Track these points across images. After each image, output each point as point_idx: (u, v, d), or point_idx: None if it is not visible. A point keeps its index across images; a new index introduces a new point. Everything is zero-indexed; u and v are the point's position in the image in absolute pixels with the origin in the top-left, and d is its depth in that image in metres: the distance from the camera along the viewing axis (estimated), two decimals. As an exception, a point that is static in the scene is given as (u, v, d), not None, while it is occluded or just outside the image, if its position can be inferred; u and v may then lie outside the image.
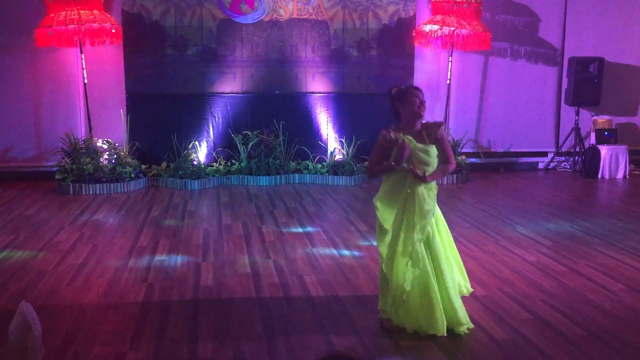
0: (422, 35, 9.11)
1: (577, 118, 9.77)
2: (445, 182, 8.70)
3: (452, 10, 8.96)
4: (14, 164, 8.85)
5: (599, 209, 7.67)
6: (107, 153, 8.47)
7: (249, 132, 8.96)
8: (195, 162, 8.74)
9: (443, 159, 3.97)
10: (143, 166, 8.68)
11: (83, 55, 8.49)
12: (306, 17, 9.17)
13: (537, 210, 7.37)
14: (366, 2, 9.28)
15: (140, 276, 5.00)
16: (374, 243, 5.83)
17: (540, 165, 10.23)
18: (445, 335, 3.82)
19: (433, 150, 3.91)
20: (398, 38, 9.43)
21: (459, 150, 9.24)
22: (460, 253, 4.36)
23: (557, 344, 3.83)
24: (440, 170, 3.97)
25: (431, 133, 3.93)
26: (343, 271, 5.12)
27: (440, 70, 9.62)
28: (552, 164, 10.19)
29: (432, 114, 9.35)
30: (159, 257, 5.47)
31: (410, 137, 3.85)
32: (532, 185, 9.02)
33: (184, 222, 6.70)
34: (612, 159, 9.42)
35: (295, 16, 9.15)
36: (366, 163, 8.91)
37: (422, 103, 3.91)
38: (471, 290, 4.31)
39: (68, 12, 8.12)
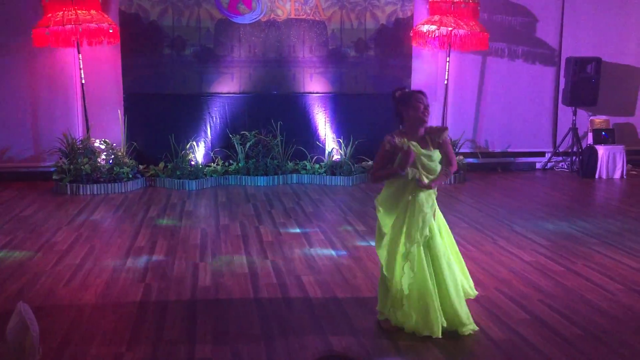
0: (419, 35, 9.12)
1: (574, 118, 9.78)
2: (443, 182, 8.69)
3: (449, 10, 8.97)
4: (11, 164, 8.84)
5: (597, 209, 7.68)
6: (105, 153, 8.47)
7: (246, 133, 8.96)
8: (192, 163, 8.73)
9: (445, 161, 3.98)
10: (141, 166, 8.67)
11: (80, 56, 8.48)
12: (304, 17, 9.17)
13: (535, 210, 7.37)
14: (364, 2, 9.28)
15: (137, 276, 4.99)
16: (372, 243, 5.83)
17: (538, 166, 10.24)
18: (440, 337, 3.82)
19: (436, 155, 3.91)
20: (396, 38, 9.43)
21: (457, 150, 9.25)
22: (458, 253, 4.36)
23: (554, 343, 3.83)
24: (443, 173, 3.98)
25: (435, 138, 3.94)
26: (341, 271, 5.12)
27: (437, 71, 9.63)
28: (549, 164, 10.21)
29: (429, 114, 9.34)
30: (157, 258, 5.46)
31: (415, 143, 3.85)
32: (530, 185, 9.03)
33: (182, 223, 6.70)
34: (609, 159, 9.43)
35: (292, 16, 9.15)
36: (364, 163, 9.05)
37: (426, 108, 3.89)
38: (476, 292, 4.30)
39: (65, 12, 8.12)
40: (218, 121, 9.13)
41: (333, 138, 9.34)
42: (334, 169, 8.90)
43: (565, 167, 10.11)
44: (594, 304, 4.46)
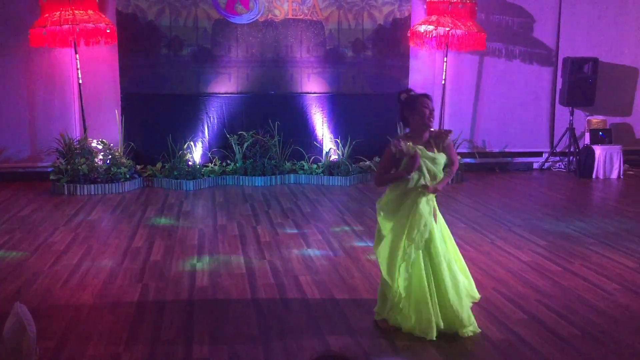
0: (417, 35, 9.13)
1: (571, 118, 9.80)
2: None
3: (447, 10, 8.97)
4: (8, 164, 8.82)
5: (594, 209, 7.69)
6: (102, 153, 8.46)
7: (244, 133, 8.96)
8: (190, 163, 8.73)
9: (448, 162, 4.01)
10: (138, 167, 8.67)
11: (78, 56, 8.47)
12: (301, 17, 9.17)
13: (532, 210, 7.38)
14: (361, 3, 9.29)
15: (135, 277, 4.98)
16: (370, 244, 5.84)
17: (535, 166, 10.26)
18: (434, 339, 3.82)
19: (441, 159, 3.93)
20: (393, 38, 9.44)
21: (455, 150, 9.25)
22: (455, 253, 4.36)
23: (552, 343, 3.83)
24: (447, 174, 4.01)
25: (439, 142, 3.95)
26: (338, 271, 5.12)
27: (435, 71, 9.64)
28: (546, 164, 10.22)
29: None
30: (154, 258, 5.45)
31: (421, 147, 3.85)
32: (527, 185, 9.04)
33: (179, 223, 6.69)
34: (606, 159, 9.45)
35: (290, 16, 9.15)
36: (361, 163, 9.05)
37: (432, 113, 3.90)
38: (478, 297, 4.30)
39: (62, 12, 8.10)
40: (215, 121, 9.12)
41: (330, 138, 9.34)
42: (332, 169, 8.90)
43: (563, 167, 10.12)
44: (591, 303, 4.46)
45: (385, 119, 9.45)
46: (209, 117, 9.11)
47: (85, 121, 8.62)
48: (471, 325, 3.89)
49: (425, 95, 3.95)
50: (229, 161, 8.99)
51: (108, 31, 8.30)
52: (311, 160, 9.21)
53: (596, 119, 9.88)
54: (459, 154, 9.38)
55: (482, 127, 9.98)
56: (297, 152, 9.17)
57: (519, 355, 3.70)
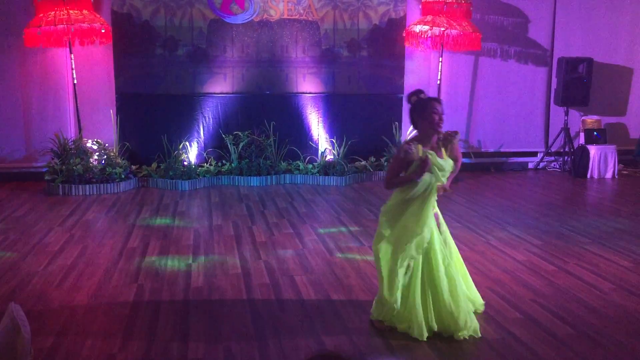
0: (412, 35, 9.14)
1: (566, 118, 9.82)
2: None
3: (442, 10, 8.98)
4: (2, 164, 8.79)
5: (589, 209, 7.72)
6: (97, 154, 8.43)
7: (239, 133, 8.95)
8: (185, 163, 8.72)
9: (453, 159, 4.05)
10: (133, 167, 8.65)
11: (72, 56, 8.45)
12: (297, 17, 9.17)
13: (527, 210, 7.40)
14: (357, 3, 9.29)
15: (130, 277, 4.98)
16: (365, 244, 5.85)
17: (530, 165, 10.28)
18: (425, 340, 3.83)
19: (449, 166, 3.96)
20: (388, 38, 9.44)
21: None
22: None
23: (547, 343, 3.85)
24: (453, 172, 4.06)
25: (447, 144, 3.99)
26: (334, 271, 5.12)
27: (430, 71, 9.65)
28: (541, 164, 10.24)
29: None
30: (150, 258, 5.45)
31: (432, 153, 3.87)
32: (522, 185, 9.06)
33: (175, 223, 6.69)
34: (601, 159, 9.47)
35: (285, 16, 9.14)
36: (357, 163, 9.05)
37: (441, 118, 3.91)
38: (480, 304, 4.28)
39: (57, 12, 8.08)
40: (211, 121, 9.11)
41: (326, 138, 9.34)
42: (327, 169, 8.90)
43: (558, 167, 10.15)
44: (586, 303, 4.48)
45: (381, 119, 9.47)
46: (205, 117, 9.10)
47: (80, 121, 8.59)
48: (467, 330, 3.88)
49: (436, 100, 3.96)
50: (224, 161, 8.98)
51: (103, 31, 8.28)
52: (307, 160, 9.20)
53: (591, 119, 9.91)
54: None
55: (477, 127, 9.99)
56: (293, 152, 9.17)
57: (514, 354, 3.71)
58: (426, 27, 8.98)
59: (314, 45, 9.26)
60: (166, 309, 4.35)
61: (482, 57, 9.85)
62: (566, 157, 9.92)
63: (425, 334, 3.84)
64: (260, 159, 8.82)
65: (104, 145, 8.56)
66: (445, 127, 3.98)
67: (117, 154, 8.59)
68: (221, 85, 9.12)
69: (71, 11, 8.12)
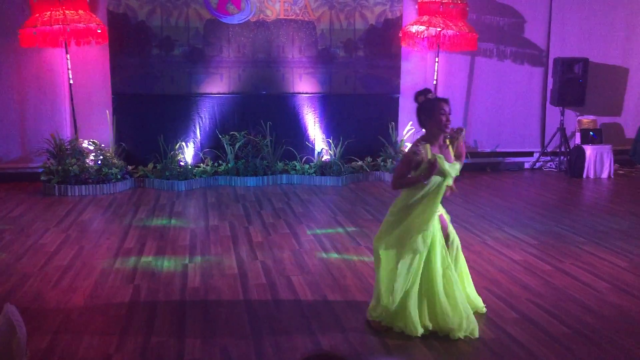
0: (408, 35, 9.15)
1: (562, 118, 9.85)
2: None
3: (438, 11, 8.99)
4: (-2, 165, 8.78)
5: (584, 209, 7.73)
6: (93, 154, 8.42)
7: (236, 133, 8.94)
8: (182, 163, 8.71)
9: (457, 155, 4.06)
10: (129, 167, 8.63)
11: (68, 56, 8.44)
12: (293, 17, 9.16)
13: (523, 209, 7.41)
14: (353, 3, 9.29)
15: (126, 278, 4.97)
16: (362, 244, 5.85)
17: (526, 165, 10.30)
18: (418, 335, 3.85)
19: (456, 169, 3.97)
20: (385, 38, 9.45)
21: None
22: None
23: (543, 342, 3.85)
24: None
25: (453, 141, 4.01)
26: (330, 272, 5.12)
27: (426, 71, 9.66)
28: (537, 164, 10.26)
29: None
30: (146, 258, 5.44)
31: (441, 156, 3.87)
32: (518, 185, 9.07)
33: (171, 223, 6.68)
34: (597, 159, 9.50)
35: (282, 17, 9.14)
36: (353, 163, 9.05)
37: (449, 118, 3.92)
38: (481, 307, 4.28)
39: (53, 12, 8.06)
40: (207, 122, 9.11)
41: (322, 138, 9.34)
42: (324, 169, 8.90)
43: (554, 167, 10.17)
44: (582, 302, 4.49)
45: (377, 119, 9.47)
46: (201, 118, 9.09)
47: (76, 122, 8.58)
48: (462, 331, 3.88)
49: (444, 100, 3.96)
50: (220, 161, 8.97)
51: (99, 31, 8.27)
52: (303, 160, 9.20)
53: (587, 119, 9.93)
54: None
55: (473, 127, 10.00)
56: (289, 152, 9.16)
57: (510, 353, 3.71)
58: (422, 28, 8.99)
59: (310, 45, 9.26)
60: (162, 309, 4.34)
61: (478, 57, 9.86)
62: (562, 157, 9.95)
63: (420, 330, 3.86)
64: (257, 159, 8.81)
65: (100, 146, 8.54)
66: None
67: (113, 154, 8.58)
68: (217, 86, 9.11)
69: (67, 11, 8.10)
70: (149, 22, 8.81)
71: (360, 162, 9.17)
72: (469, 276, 4.26)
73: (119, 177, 8.30)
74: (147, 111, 8.95)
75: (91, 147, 8.47)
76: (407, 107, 9.57)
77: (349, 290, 4.71)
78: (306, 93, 9.34)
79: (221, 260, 5.40)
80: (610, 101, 10.45)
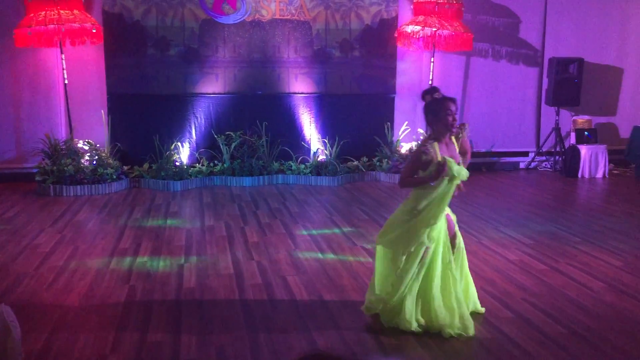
0: (404, 35, 9.16)
1: (557, 118, 9.87)
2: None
3: (433, 11, 9.00)
4: (-7, 165, 8.75)
5: (580, 208, 7.75)
6: (88, 154, 8.40)
7: (231, 133, 8.94)
8: (177, 163, 8.69)
9: (462, 152, 4.08)
10: (125, 167, 8.62)
11: (63, 56, 8.41)
12: (288, 17, 9.16)
13: (519, 209, 7.43)
14: (349, 3, 9.30)
15: (122, 278, 4.96)
16: (358, 244, 5.85)
17: (522, 165, 10.32)
18: (413, 329, 3.88)
19: (464, 174, 3.97)
20: (380, 38, 9.46)
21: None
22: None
23: (538, 342, 3.86)
24: (462, 164, 4.08)
25: (457, 137, 4.04)
26: (326, 271, 5.12)
27: (422, 71, 9.67)
28: (533, 164, 10.28)
29: (414, 114, 9.40)
30: (141, 259, 5.43)
31: (450, 159, 3.88)
32: (514, 184, 9.09)
33: (167, 223, 6.67)
34: (592, 159, 9.52)
35: (277, 17, 9.14)
36: (349, 163, 9.06)
37: (455, 118, 3.93)
38: (479, 308, 4.29)
39: (48, 12, 8.04)
40: (203, 122, 9.10)
41: (318, 138, 9.34)
42: (320, 169, 8.90)
43: (549, 166, 10.19)
44: (577, 302, 4.50)
45: (373, 119, 9.47)
46: (196, 118, 9.08)
47: (71, 122, 8.56)
48: (455, 328, 3.89)
49: (450, 100, 3.95)
50: (216, 161, 8.96)
51: (94, 31, 8.25)
52: (299, 160, 9.20)
53: (582, 119, 9.96)
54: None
55: (469, 127, 10.00)
56: (285, 153, 9.16)
57: (506, 353, 3.72)
58: (418, 28, 9.00)
59: (306, 45, 9.26)
60: (158, 309, 4.34)
61: (473, 57, 9.88)
62: (557, 157, 9.97)
63: (414, 324, 3.89)
64: (253, 159, 8.81)
65: (95, 146, 8.52)
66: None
67: (108, 154, 8.56)
68: (213, 86, 9.11)
69: (62, 11, 8.08)
70: (144, 22, 8.80)
71: (356, 162, 9.17)
72: (470, 277, 4.26)
73: (114, 177, 8.28)
74: (143, 111, 8.94)
75: (86, 147, 8.44)
76: (402, 107, 9.59)
77: (344, 290, 4.71)
78: (302, 93, 9.34)
79: (217, 261, 5.39)
80: (605, 101, 10.48)
